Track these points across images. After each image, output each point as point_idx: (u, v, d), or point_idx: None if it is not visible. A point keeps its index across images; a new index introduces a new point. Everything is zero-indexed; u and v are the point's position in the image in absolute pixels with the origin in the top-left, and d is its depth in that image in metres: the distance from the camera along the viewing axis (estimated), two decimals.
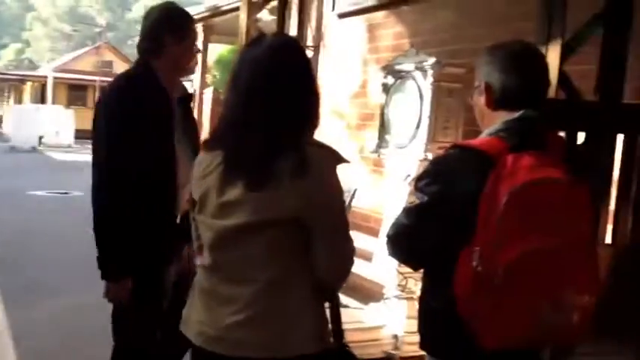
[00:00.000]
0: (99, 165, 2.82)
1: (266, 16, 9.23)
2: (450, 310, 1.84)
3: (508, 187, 1.73)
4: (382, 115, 4.80)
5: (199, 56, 12.08)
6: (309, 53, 7.73)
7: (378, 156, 4.83)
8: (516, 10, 4.74)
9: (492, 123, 1.96)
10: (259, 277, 1.90)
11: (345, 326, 2.17)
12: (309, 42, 7.75)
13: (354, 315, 4.44)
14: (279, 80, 1.91)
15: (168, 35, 2.89)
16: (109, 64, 37.64)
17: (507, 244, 1.72)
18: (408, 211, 1.98)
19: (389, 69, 4.77)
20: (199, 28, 11.95)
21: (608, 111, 3.62)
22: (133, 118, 2.71)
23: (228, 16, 10.61)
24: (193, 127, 3.17)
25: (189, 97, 3.16)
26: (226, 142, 1.94)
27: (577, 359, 2.80)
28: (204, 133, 11.03)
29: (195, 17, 11.85)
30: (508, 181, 1.74)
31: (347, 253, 2.00)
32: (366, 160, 6.19)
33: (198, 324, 2.00)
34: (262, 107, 1.89)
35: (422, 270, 2.15)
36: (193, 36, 3.02)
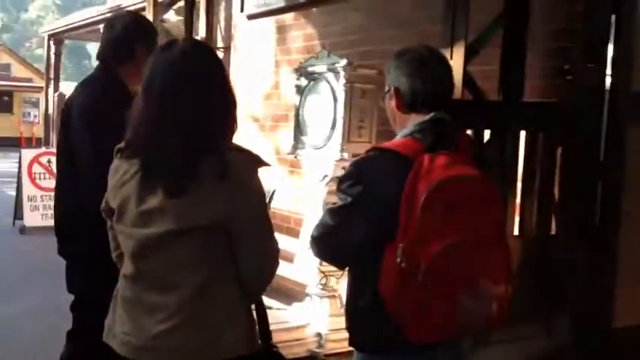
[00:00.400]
0: (86, 172, 2.79)
1: (172, 17, 9.12)
2: (376, 306, 1.92)
3: (426, 185, 1.83)
4: (297, 116, 4.88)
5: None
6: (220, 55, 7.72)
7: (295, 157, 4.90)
8: (423, 13, 4.91)
9: (404, 125, 2.06)
10: (185, 284, 1.90)
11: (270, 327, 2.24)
12: (219, 43, 7.73)
13: (278, 315, 4.50)
14: (195, 85, 1.91)
15: (139, 44, 2.89)
16: (7, 67, 36.09)
17: (428, 240, 1.82)
18: (331, 212, 2.04)
19: (302, 70, 4.85)
20: (101, 29, 11.68)
21: (510, 109, 3.83)
22: (116, 126, 2.69)
23: None
24: None
25: None
26: (144, 150, 1.92)
27: (494, 346, 2.95)
28: None
29: (98, 18, 11.62)
30: (425, 180, 1.84)
31: (272, 255, 2.03)
32: (282, 161, 6.25)
33: (122, 334, 1.98)
34: (179, 113, 1.89)
35: (346, 268, 2.22)
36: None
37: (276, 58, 6.69)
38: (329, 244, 2.07)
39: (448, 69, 2.12)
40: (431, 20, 4.61)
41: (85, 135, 2.84)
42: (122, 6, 10.82)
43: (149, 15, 7.30)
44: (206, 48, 2.13)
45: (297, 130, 4.89)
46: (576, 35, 3.91)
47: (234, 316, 1.96)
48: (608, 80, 3.77)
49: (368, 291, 1.97)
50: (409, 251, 1.82)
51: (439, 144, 1.94)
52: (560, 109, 3.82)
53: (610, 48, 3.75)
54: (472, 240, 1.88)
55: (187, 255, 1.90)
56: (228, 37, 7.62)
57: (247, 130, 6.87)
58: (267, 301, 4.49)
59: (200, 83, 1.93)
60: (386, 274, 1.88)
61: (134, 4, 10.02)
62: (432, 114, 2.01)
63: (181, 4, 7.83)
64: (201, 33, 7.80)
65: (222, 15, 7.71)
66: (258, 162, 1.97)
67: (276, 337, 2.29)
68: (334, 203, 2.05)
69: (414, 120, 2.03)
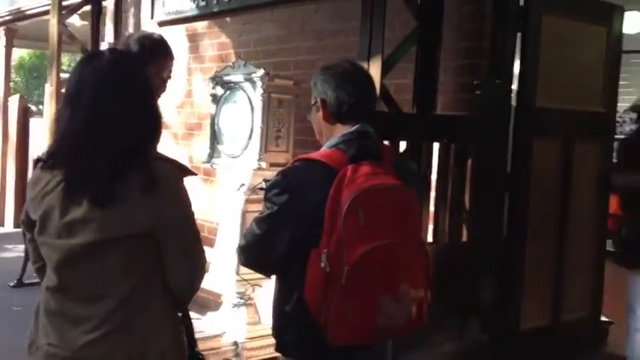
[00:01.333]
0: None
1: (77, 22, 8.86)
2: (302, 311, 1.97)
3: (349, 193, 1.90)
4: (213, 125, 4.87)
5: (2, 62, 11.39)
6: None
7: (211, 166, 4.89)
8: (338, 26, 5.02)
9: (330, 136, 2.14)
10: (113, 294, 1.89)
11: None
12: None
13: (193, 325, 4.46)
14: (123, 96, 1.91)
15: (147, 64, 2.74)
16: None
17: (351, 245, 1.89)
18: (258, 221, 2.08)
19: (217, 79, 4.85)
20: (0, 32, 11.24)
21: (424, 122, 3.99)
22: None
23: (34, 20, 10.08)
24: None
25: None
26: (68, 160, 1.90)
27: (411, 351, 3.05)
28: (11, 145, 10.40)
29: None
30: (349, 189, 1.92)
31: (200, 265, 2.03)
32: (196, 169, 6.22)
33: (46, 346, 1.94)
34: (107, 124, 1.88)
35: (271, 276, 2.27)
36: (161, 68, 2.79)
37: (188, 67, 6.63)
38: (256, 253, 2.12)
39: (371, 82, 2.22)
40: (346, 32, 4.74)
41: None
42: (22, 9, 10.43)
43: (53, 18, 7.07)
44: (132, 57, 2.14)
45: (212, 139, 4.88)
46: (485, 52, 4.12)
47: (161, 325, 1.96)
48: (514, 95, 4.01)
49: (294, 297, 2.03)
50: (333, 256, 1.89)
51: (363, 155, 2.01)
52: (470, 123, 4.02)
53: (516, 65, 3.99)
54: (393, 245, 1.96)
55: (113, 265, 1.89)
56: None
57: (161, 139, 6.72)
58: None
59: (128, 94, 1.93)
60: (311, 280, 1.94)
61: (37, 7, 9.70)
62: (356, 126, 2.10)
63: (87, 8, 7.62)
64: (108, 39, 7.62)
65: (130, 21, 7.55)
66: (185, 171, 1.98)
67: None
68: (260, 212, 2.10)
69: (340, 131, 2.11)
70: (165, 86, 2.83)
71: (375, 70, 3.69)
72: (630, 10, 6.51)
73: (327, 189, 1.93)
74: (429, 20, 3.96)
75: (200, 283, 2.06)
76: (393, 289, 1.95)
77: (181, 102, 6.70)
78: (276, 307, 2.15)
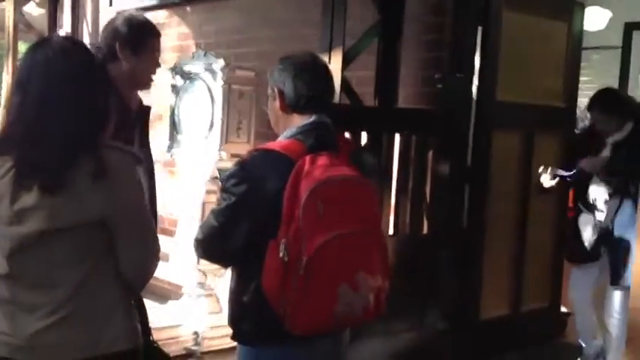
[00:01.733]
0: None
1: (34, 10, 8.70)
2: (260, 301, 1.98)
3: (307, 184, 1.92)
4: (172, 115, 4.83)
5: None
6: None
7: (171, 156, 4.85)
8: (299, 17, 5.00)
9: (287, 127, 2.13)
10: (66, 281, 1.87)
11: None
12: (86, 39, 7.46)
13: (153, 314, 4.42)
14: (74, 83, 1.89)
15: (122, 46, 2.64)
16: None
17: (309, 235, 1.90)
18: (215, 212, 2.07)
19: (177, 70, 4.80)
20: None
21: (385, 114, 4.01)
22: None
23: None
24: (147, 141, 2.98)
25: (147, 110, 2.95)
26: (19, 147, 1.87)
27: (372, 339, 3.07)
28: None
29: None
30: (307, 179, 1.93)
31: (152, 253, 2.01)
32: (157, 160, 6.15)
33: (0, 335, 1.91)
34: (58, 110, 1.86)
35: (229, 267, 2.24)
36: (152, 49, 2.71)
37: None
38: (213, 245, 2.11)
39: (329, 75, 2.21)
40: (306, 23, 4.72)
41: None
42: None
43: (9, 6, 6.92)
44: (83, 45, 2.11)
45: (172, 130, 4.85)
46: (447, 46, 4.15)
47: (114, 313, 1.95)
48: (474, 89, 4.04)
49: (251, 286, 2.03)
50: (291, 246, 1.90)
51: (320, 146, 2.02)
52: (432, 115, 4.04)
53: (477, 59, 4.02)
54: (352, 235, 1.98)
55: (66, 253, 1.87)
56: (95, 33, 7.35)
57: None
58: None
59: (80, 81, 1.91)
60: (269, 269, 1.95)
61: None
62: (314, 117, 2.10)
63: None
64: (66, 27, 7.50)
65: (89, 9, 7.43)
66: (136, 159, 1.97)
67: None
68: (218, 203, 2.09)
69: (297, 122, 2.10)
70: (159, 65, 2.78)
71: (335, 62, 3.70)
72: (592, 5, 6.68)
73: (285, 179, 1.94)
74: (390, 13, 3.98)
75: (153, 270, 2.04)
76: (352, 278, 1.97)
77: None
78: (234, 297, 2.14)
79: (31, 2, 8.48)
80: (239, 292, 2.10)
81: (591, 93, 4.15)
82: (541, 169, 3.99)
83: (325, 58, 3.83)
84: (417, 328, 3.79)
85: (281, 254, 1.91)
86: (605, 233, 3.87)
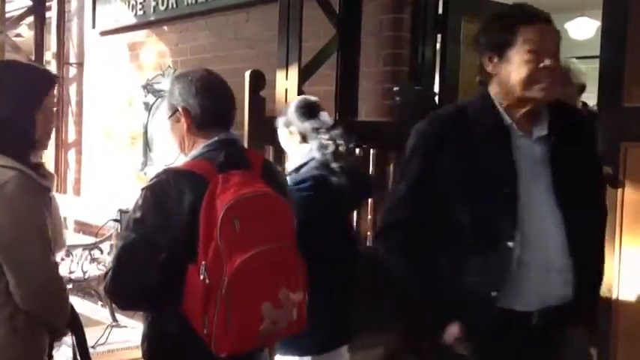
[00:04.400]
0: None
1: (25, 32, 8.80)
2: (183, 326, 1.92)
3: (222, 203, 1.87)
4: (145, 133, 4.90)
5: None
6: (73, 71, 7.53)
7: (145, 174, 4.90)
8: (269, 34, 5.04)
9: (193, 147, 2.06)
10: None
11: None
12: (72, 59, 7.57)
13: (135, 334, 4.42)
14: None
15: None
16: None
17: (229, 255, 1.85)
18: (125, 251, 1.95)
19: (149, 88, 4.88)
20: None
21: (344, 127, 4.02)
22: None
23: None
24: None
25: None
26: None
27: (352, 353, 3.03)
28: None
29: None
30: (222, 198, 1.88)
31: (44, 281, 1.97)
32: (140, 178, 6.20)
33: None
34: None
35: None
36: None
37: (130, 76, 6.63)
38: (130, 288, 1.99)
39: (230, 90, 2.15)
40: (274, 41, 4.77)
41: None
42: None
43: None
44: (14, 64, 2.14)
45: (145, 147, 4.92)
46: (404, 59, 4.20)
47: (8, 348, 1.95)
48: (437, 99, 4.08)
49: (173, 313, 1.95)
50: (211, 268, 1.85)
51: (230, 163, 1.98)
52: (391, 128, 4.07)
53: (437, 71, 4.07)
54: (270, 251, 1.94)
55: None
56: (80, 53, 7.45)
57: (103, 148, 6.80)
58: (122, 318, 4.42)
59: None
60: (190, 293, 1.90)
61: None
62: (221, 134, 2.06)
63: (32, 19, 7.60)
64: (52, 48, 7.61)
65: (74, 30, 7.54)
66: (35, 183, 1.95)
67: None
68: (125, 237, 1.98)
69: (203, 141, 2.05)
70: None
71: (292, 77, 3.74)
72: (580, 16, 6.72)
73: (199, 199, 1.89)
74: (348, 28, 4.03)
75: (54, 295, 2.01)
76: (275, 296, 1.94)
77: (124, 111, 6.67)
78: (152, 326, 2.06)
79: (23, 25, 8.62)
80: (159, 321, 2.02)
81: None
82: None
83: (283, 74, 3.89)
84: (380, 344, 3.79)
85: (202, 276, 1.85)
86: None
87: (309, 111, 2.86)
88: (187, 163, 2.01)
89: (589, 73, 3.55)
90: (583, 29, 6.85)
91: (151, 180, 1.97)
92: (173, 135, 2.13)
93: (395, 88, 4.08)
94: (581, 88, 3.58)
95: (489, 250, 1.98)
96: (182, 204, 1.90)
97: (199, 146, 2.04)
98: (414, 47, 4.15)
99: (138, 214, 1.92)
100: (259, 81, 3.50)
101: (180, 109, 2.05)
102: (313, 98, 2.98)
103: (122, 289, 1.97)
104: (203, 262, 1.86)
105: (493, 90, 2.09)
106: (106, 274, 1.97)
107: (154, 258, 1.90)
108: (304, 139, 2.83)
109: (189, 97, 2.04)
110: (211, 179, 1.91)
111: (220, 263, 1.85)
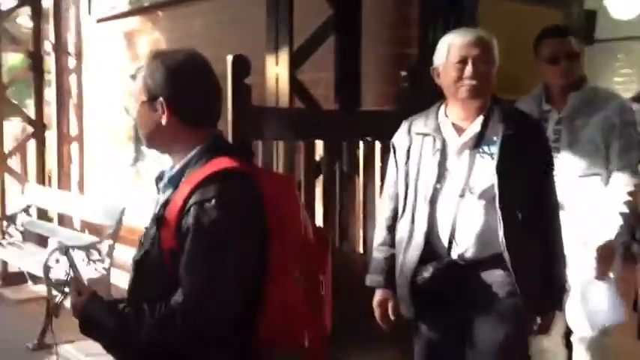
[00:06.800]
0: None
1: (27, 23, 8.61)
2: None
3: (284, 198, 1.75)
4: (136, 127, 4.55)
5: None
6: (72, 61, 7.24)
7: (137, 171, 4.58)
8: (261, 19, 4.68)
9: (189, 142, 1.74)
10: None
11: None
12: (71, 48, 7.28)
13: None
14: None
15: None
16: None
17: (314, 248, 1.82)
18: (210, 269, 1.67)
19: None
20: None
21: (346, 119, 3.61)
22: None
23: None
24: None
25: None
26: None
27: None
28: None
29: None
30: (277, 195, 1.74)
31: None
32: (136, 173, 5.90)
33: None
34: None
35: None
36: None
37: (127, 65, 6.30)
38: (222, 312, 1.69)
39: (217, 77, 1.83)
40: None
41: None
42: None
43: None
44: None
45: (136, 142, 4.58)
46: (413, 41, 3.75)
47: None
48: None
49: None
50: (305, 267, 1.75)
51: (251, 156, 1.89)
52: (397, 118, 3.64)
53: None
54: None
55: None
56: (79, 43, 7.17)
57: (102, 141, 6.53)
58: None
59: None
60: (286, 305, 1.69)
61: None
62: (213, 129, 1.78)
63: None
64: (50, 37, 7.35)
65: (72, 20, 7.27)
66: None
67: None
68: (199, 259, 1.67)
69: (200, 136, 1.74)
70: None
71: (283, 62, 3.34)
72: None
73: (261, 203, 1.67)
74: (346, 6, 3.59)
75: None
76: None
77: (122, 102, 6.34)
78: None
79: (25, 15, 8.39)
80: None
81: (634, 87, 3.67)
82: None
83: (272, 60, 3.48)
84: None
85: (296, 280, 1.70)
86: None
87: None
88: (225, 162, 1.69)
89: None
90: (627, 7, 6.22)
91: (222, 185, 1.64)
92: (141, 121, 1.80)
93: (403, 74, 3.64)
94: None
95: None
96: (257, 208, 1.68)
97: (201, 142, 1.73)
98: (424, 27, 3.69)
99: (218, 232, 1.62)
100: (244, 67, 3.09)
101: (162, 99, 1.70)
102: None
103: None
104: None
105: None
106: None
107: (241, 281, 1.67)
108: None
109: (173, 88, 1.71)
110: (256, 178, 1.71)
111: (310, 260, 1.78)
